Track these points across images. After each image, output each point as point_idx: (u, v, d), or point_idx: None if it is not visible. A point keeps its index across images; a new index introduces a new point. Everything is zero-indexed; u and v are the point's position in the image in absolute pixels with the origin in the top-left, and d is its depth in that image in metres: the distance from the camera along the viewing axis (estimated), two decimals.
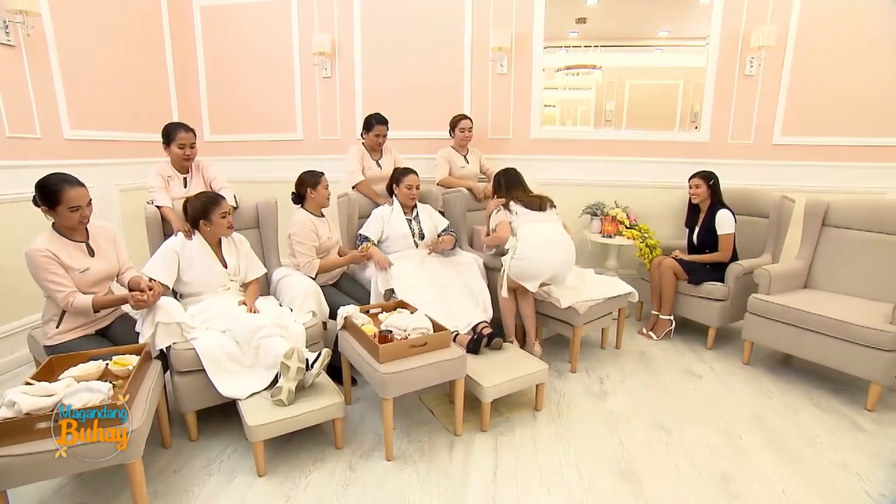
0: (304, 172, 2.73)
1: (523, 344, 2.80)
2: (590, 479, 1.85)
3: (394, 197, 3.02)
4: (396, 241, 2.92)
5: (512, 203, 2.75)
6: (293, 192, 2.76)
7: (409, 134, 3.90)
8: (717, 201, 3.14)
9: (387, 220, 2.95)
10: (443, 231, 3.05)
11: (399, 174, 2.98)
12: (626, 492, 1.79)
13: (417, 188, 2.96)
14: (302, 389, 1.96)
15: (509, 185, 2.87)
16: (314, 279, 2.56)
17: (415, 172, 2.98)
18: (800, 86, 3.51)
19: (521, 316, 2.79)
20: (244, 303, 2.27)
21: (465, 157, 3.58)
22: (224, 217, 2.30)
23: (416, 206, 3.04)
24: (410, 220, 2.99)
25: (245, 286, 2.46)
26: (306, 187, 2.70)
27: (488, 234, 2.85)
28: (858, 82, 3.43)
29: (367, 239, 2.87)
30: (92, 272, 2.02)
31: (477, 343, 2.34)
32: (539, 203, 2.74)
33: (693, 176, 3.19)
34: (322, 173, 2.73)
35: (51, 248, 1.91)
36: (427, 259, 2.87)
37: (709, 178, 3.14)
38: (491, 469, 1.91)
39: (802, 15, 3.41)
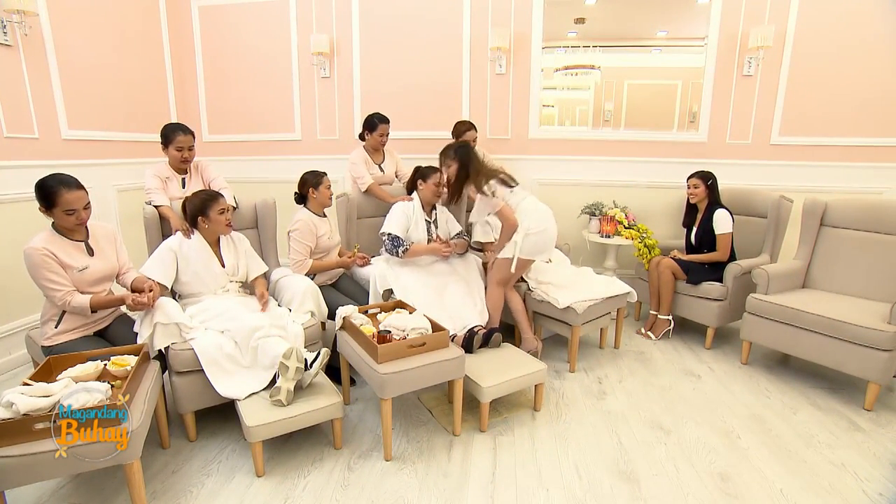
0: (307, 172, 2.73)
1: (519, 343, 2.80)
2: (588, 479, 1.86)
3: (415, 194, 2.92)
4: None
5: (497, 183, 2.56)
6: (296, 192, 2.76)
7: (407, 134, 3.90)
8: (714, 201, 3.14)
9: (409, 217, 2.84)
10: (455, 235, 2.98)
11: (426, 171, 2.87)
12: (625, 491, 1.79)
13: (443, 185, 2.89)
14: (300, 390, 1.96)
15: (479, 162, 2.62)
16: (312, 279, 2.56)
17: (440, 170, 2.87)
18: (798, 86, 3.51)
19: (511, 312, 2.75)
20: (263, 300, 2.28)
21: None
22: (222, 213, 2.29)
23: (435, 206, 2.97)
24: (429, 224, 2.91)
25: (252, 282, 2.44)
26: (308, 187, 2.70)
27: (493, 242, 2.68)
28: (856, 83, 3.44)
29: (398, 240, 2.73)
30: (90, 271, 2.01)
31: (469, 340, 2.34)
32: (511, 177, 2.69)
33: (691, 176, 3.19)
34: (324, 173, 2.72)
35: (49, 246, 1.90)
36: (428, 259, 2.86)
37: (707, 178, 3.14)
38: (489, 469, 1.91)
39: (800, 15, 3.42)
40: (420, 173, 2.91)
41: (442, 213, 3.00)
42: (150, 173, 2.58)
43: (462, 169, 2.64)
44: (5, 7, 2.57)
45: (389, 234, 2.77)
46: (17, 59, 2.73)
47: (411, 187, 2.97)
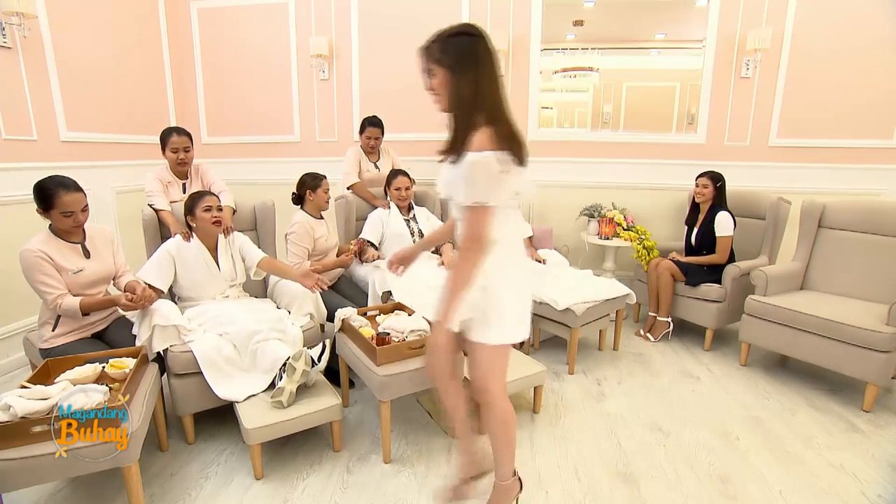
0: (306, 174, 2.73)
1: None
2: (588, 481, 1.86)
3: (388, 198, 3.04)
4: (395, 242, 2.92)
5: (507, 151, 1.35)
6: (293, 193, 2.76)
7: (407, 136, 3.90)
8: (719, 203, 3.14)
9: (385, 222, 2.96)
10: None
11: (390, 176, 3.00)
12: (624, 493, 1.79)
13: (407, 190, 2.97)
14: (304, 389, 1.95)
15: (494, 71, 1.40)
16: None
17: (405, 174, 2.99)
18: (795, 88, 3.52)
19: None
20: (316, 275, 2.27)
21: None
22: (208, 211, 2.23)
23: (412, 206, 3.05)
24: (408, 221, 2.99)
25: (262, 266, 2.39)
26: (306, 189, 2.70)
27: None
28: (853, 84, 3.45)
29: (369, 243, 2.87)
30: (86, 273, 2.01)
31: None
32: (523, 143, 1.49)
33: (701, 175, 3.17)
34: (324, 176, 2.73)
35: (44, 248, 1.90)
36: (425, 260, 2.87)
37: (716, 180, 3.13)
38: None
39: (798, 18, 3.43)
40: (387, 179, 3.04)
41: (422, 213, 3.08)
42: (151, 176, 2.58)
43: (461, 77, 1.30)
44: (4, 9, 2.57)
45: (360, 238, 2.90)
46: (15, 61, 2.72)
47: (385, 193, 3.09)
